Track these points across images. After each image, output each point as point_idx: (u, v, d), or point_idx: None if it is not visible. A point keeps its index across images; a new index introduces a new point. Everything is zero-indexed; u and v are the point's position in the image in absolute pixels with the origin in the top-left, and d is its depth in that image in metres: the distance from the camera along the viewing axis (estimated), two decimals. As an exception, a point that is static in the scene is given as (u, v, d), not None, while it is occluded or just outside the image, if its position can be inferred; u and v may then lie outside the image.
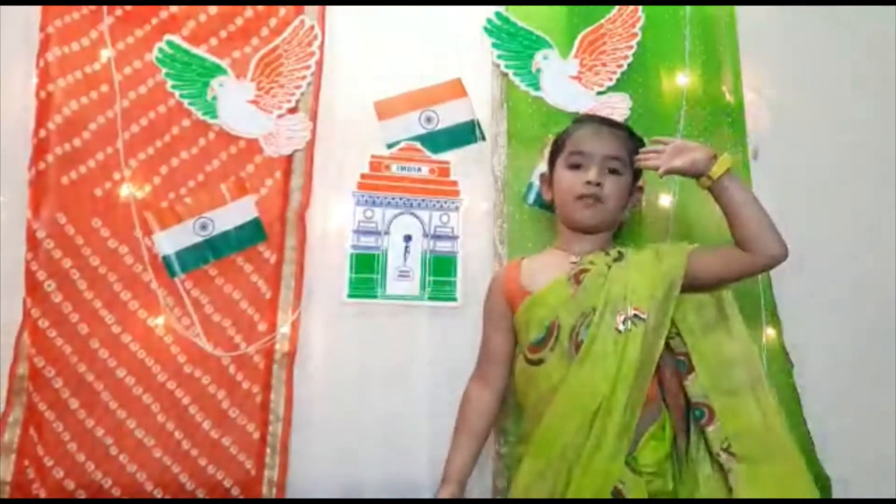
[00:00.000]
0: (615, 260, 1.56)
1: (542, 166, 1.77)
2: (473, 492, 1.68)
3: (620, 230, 1.71)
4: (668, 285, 1.50)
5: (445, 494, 1.52)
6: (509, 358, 1.61)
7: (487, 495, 1.68)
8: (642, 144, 1.67)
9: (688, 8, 1.95)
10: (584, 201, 1.57)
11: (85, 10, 1.75)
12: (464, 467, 1.55)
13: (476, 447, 1.58)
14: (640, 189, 1.67)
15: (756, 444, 1.48)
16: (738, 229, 1.51)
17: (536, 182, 1.78)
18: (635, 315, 1.48)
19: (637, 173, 1.64)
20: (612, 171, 1.59)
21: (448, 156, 1.82)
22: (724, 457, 1.47)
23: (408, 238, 1.77)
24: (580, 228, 1.61)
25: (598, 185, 1.56)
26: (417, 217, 1.78)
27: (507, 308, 1.60)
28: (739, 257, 1.52)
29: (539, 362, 1.52)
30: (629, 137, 1.64)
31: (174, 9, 1.79)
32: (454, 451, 1.57)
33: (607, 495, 1.41)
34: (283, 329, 1.70)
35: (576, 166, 1.60)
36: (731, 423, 1.49)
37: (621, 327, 1.47)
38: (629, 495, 1.41)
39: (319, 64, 1.83)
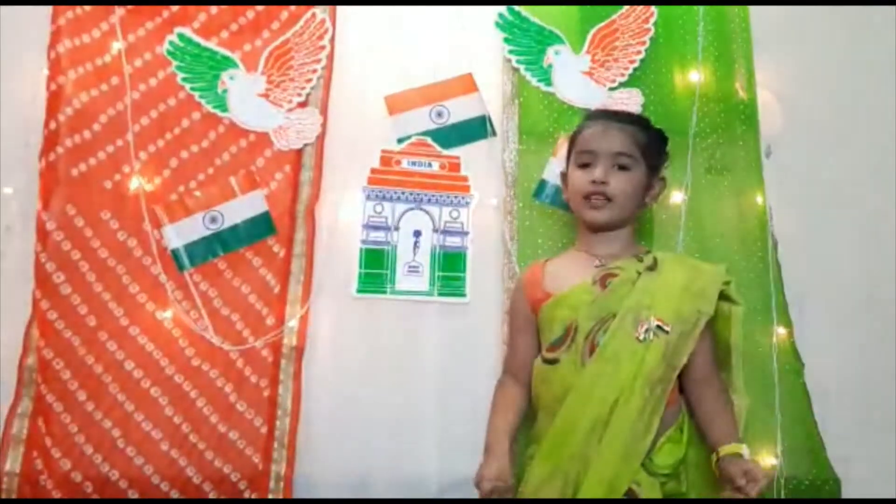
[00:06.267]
0: (648, 268, 1.54)
1: (554, 162, 1.76)
2: (476, 494, 1.67)
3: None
4: (695, 307, 1.49)
5: (492, 470, 1.46)
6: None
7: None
8: (661, 136, 1.65)
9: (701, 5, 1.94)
10: (592, 201, 1.56)
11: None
12: (506, 438, 1.52)
13: (515, 423, 1.56)
14: (662, 180, 1.65)
15: (702, 477, 1.51)
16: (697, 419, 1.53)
17: (547, 178, 1.77)
18: (658, 326, 1.46)
19: (656, 165, 1.62)
20: (622, 168, 1.57)
21: (459, 151, 1.81)
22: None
23: (417, 233, 1.77)
24: (591, 228, 1.60)
25: (604, 183, 1.55)
26: (427, 212, 1.78)
27: (529, 311, 1.60)
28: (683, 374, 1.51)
29: (554, 362, 1.51)
30: (642, 130, 1.61)
31: (185, 1, 1.79)
32: (496, 424, 1.54)
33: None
34: (292, 323, 1.70)
35: (585, 165, 1.59)
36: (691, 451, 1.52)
37: (642, 336, 1.46)
38: (643, 497, 1.41)
39: (330, 58, 1.82)
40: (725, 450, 1.46)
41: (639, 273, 1.53)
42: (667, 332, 1.46)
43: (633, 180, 1.58)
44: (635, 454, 1.41)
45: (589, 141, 1.59)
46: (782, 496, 1.69)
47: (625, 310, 1.48)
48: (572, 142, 1.65)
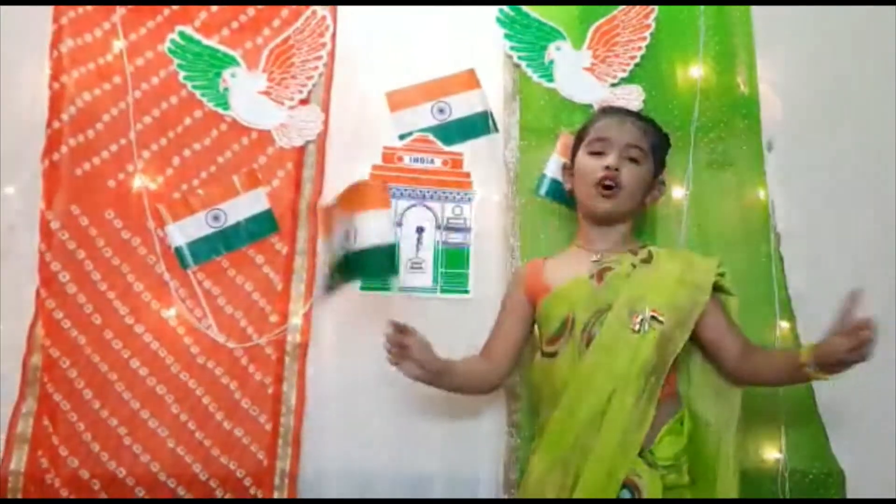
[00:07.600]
0: (643, 261, 1.56)
1: (555, 157, 1.76)
2: (482, 490, 1.68)
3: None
4: (690, 297, 1.50)
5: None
6: (516, 346, 1.61)
7: (499, 488, 1.68)
8: (666, 139, 1.67)
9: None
10: (601, 189, 1.57)
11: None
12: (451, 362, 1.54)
13: (462, 369, 1.56)
14: (662, 183, 1.66)
15: (696, 470, 1.51)
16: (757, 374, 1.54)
17: (549, 174, 1.77)
18: (653, 317, 1.48)
19: (659, 167, 1.64)
20: (632, 160, 1.58)
21: (461, 147, 1.81)
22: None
23: (420, 230, 1.77)
24: (597, 216, 1.60)
25: (616, 170, 1.56)
26: (430, 209, 1.78)
27: (524, 299, 1.61)
28: (724, 362, 1.55)
29: (553, 355, 1.53)
30: (653, 130, 1.64)
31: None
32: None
33: (616, 489, 1.42)
34: (295, 321, 1.71)
35: (597, 153, 1.60)
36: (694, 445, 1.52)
37: (637, 327, 1.48)
38: (645, 489, 1.42)
39: (331, 55, 1.82)
40: (805, 352, 1.44)
41: (633, 266, 1.55)
42: (661, 323, 1.48)
43: (641, 174, 1.59)
44: (632, 443, 1.43)
45: (604, 129, 1.61)
46: (787, 489, 1.70)
47: (620, 302, 1.50)
48: (583, 132, 1.65)
